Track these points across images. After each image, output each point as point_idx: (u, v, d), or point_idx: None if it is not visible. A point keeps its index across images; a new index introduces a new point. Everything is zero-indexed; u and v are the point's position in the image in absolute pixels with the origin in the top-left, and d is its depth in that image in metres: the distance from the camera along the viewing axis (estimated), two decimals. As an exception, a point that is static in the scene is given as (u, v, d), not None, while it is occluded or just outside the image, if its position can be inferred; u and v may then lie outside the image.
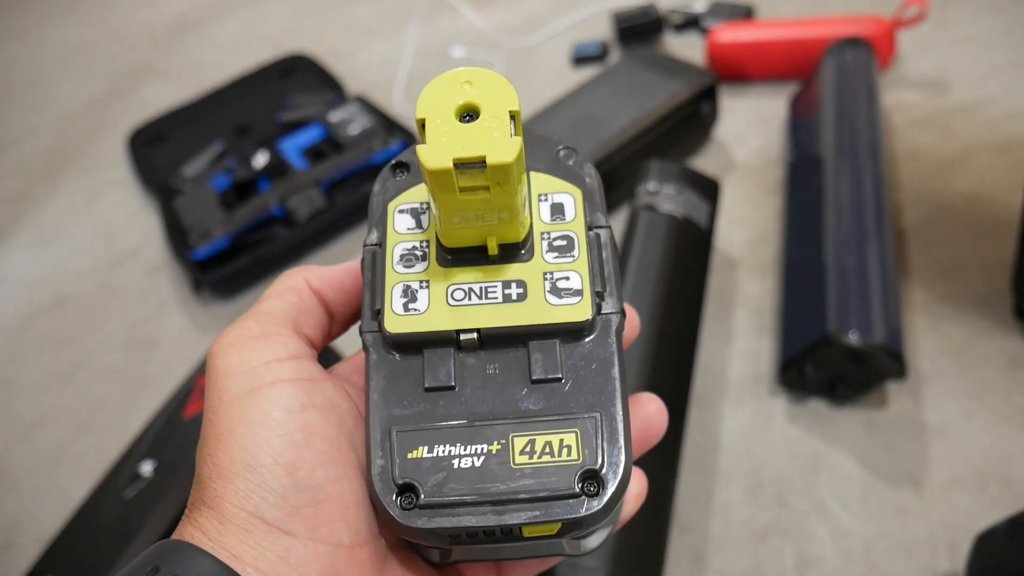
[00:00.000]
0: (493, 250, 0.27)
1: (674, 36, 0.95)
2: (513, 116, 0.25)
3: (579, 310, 0.26)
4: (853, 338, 0.53)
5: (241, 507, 0.24)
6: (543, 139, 0.30)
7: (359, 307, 0.30)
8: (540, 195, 0.29)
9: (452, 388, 0.26)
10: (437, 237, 0.28)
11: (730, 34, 0.86)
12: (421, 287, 0.27)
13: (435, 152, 0.24)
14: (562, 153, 0.30)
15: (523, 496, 0.24)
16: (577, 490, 0.24)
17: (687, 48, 0.92)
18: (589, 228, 0.28)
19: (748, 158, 0.78)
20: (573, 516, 0.24)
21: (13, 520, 0.63)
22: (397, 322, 0.26)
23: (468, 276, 0.27)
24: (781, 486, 0.55)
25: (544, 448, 0.25)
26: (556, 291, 0.27)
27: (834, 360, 0.55)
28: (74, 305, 0.80)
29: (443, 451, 0.25)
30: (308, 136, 0.85)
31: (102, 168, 0.96)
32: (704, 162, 0.79)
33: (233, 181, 0.82)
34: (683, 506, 0.54)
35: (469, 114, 0.25)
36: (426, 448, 0.25)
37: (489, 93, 0.25)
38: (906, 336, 0.60)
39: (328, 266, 0.30)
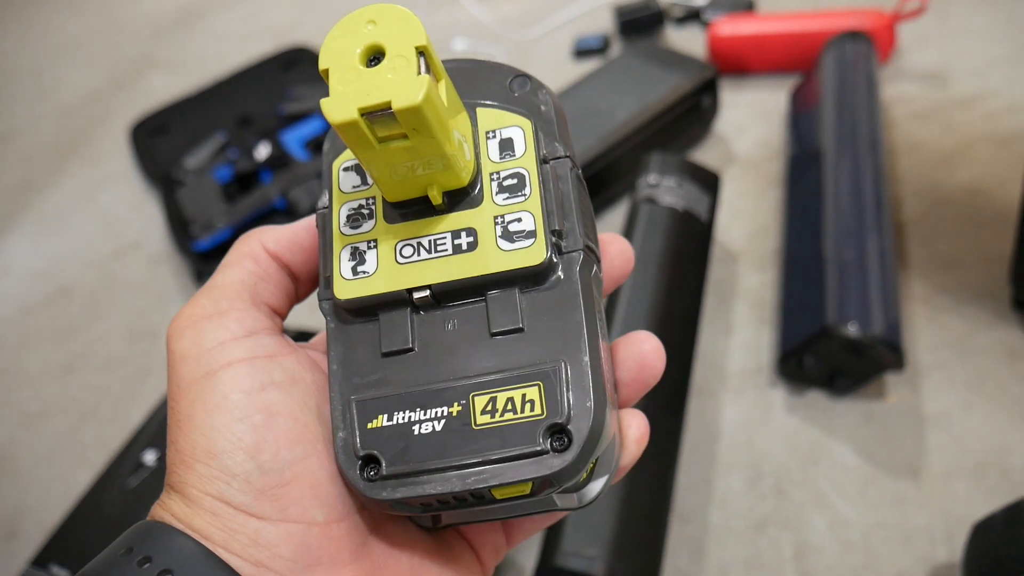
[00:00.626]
0: (437, 199, 0.25)
1: (675, 29, 0.95)
2: (421, 52, 0.22)
3: (533, 253, 0.24)
4: (852, 330, 0.53)
5: (205, 492, 0.23)
6: (493, 68, 0.28)
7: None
8: (488, 132, 0.26)
9: (411, 350, 0.24)
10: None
11: (731, 27, 0.86)
12: (369, 247, 0.25)
13: (338, 103, 0.22)
14: (516, 83, 0.27)
15: (486, 458, 0.23)
16: (543, 447, 0.22)
17: (688, 41, 0.93)
18: (544, 162, 0.26)
19: (749, 151, 0.79)
20: (542, 474, 0.22)
21: (17, 509, 0.63)
22: (347, 287, 0.25)
23: (416, 230, 0.25)
24: (780, 477, 0.55)
25: (506, 405, 0.23)
26: (508, 235, 0.25)
27: (833, 352, 0.55)
28: (77, 296, 0.80)
29: (403, 418, 0.24)
30: (310, 128, 0.86)
31: (104, 159, 0.96)
32: (705, 155, 0.79)
33: (235, 172, 0.82)
34: (683, 496, 0.55)
35: (376, 57, 0.22)
36: (385, 416, 0.24)
37: (394, 30, 0.22)
38: (905, 328, 0.60)
39: (284, 225, 0.28)
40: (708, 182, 0.64)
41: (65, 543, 0.56)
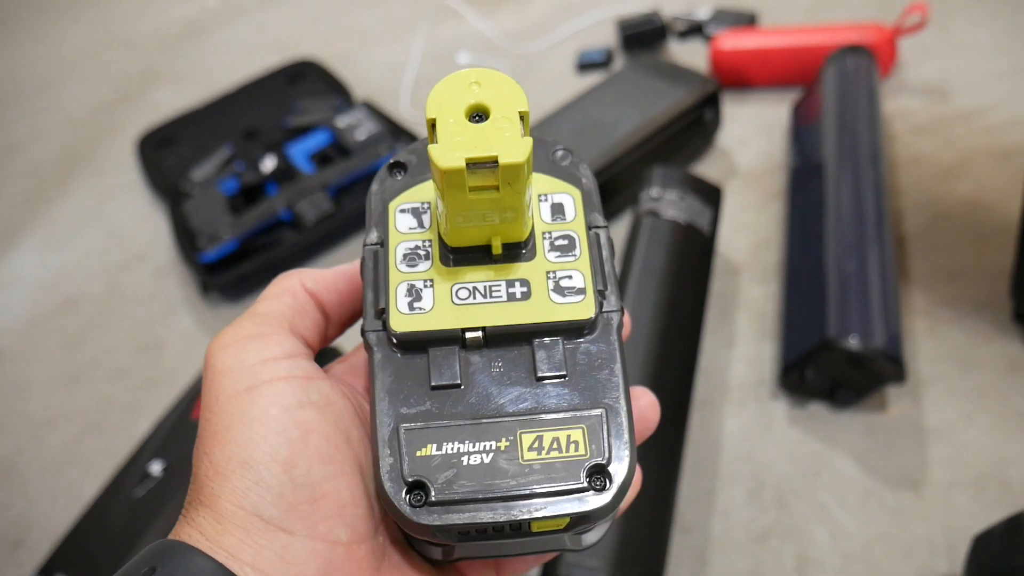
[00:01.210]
0: (497, 249, 0.27)
1: (678, 43, 0.96)
2: (522, 117, 0.25)
3: (583, 308, 0.27)
4: (853, 342, 0.53)
5: (239, 505, 0.24)
6: (539, 140, 0.30)
7: (354, 310, 0.30)
8: (540, 195, 0.29)
9: (458, 386, 0.26)
10: (440, 236, 0.28)
11: (733, 41, 0.86)
12: (425, 286, 0.27)
13: (448, 152, 0.24)
14: (559, 154, 0.30)
15: (532, 491, 0.24)
16: (585, 484, 0.24)
17: (690, 55, 0.93)
18: (588, 228, 0.29)
19: (750, 164, 0.79)
20: (582, 510, 0.24)
21: (23, 518, 0.63)
22: (403, 321, 0.26)
23: (472, 275, 0.27)
24: (782, 488, 0.55)
25: (552, 444, 0.25)
26: (559, 290, 0.27)
27: (835, 364, 0.55)
28: (84, 307, 0.81)
29: (452, 448, 0.25)
30: (315, 141, 0.86)
31: (112, 171, 0.96)
32: (707, 168, 0.79)
33: (241, 185, 0.82)
34: (685, 508, 0.55)
35: (479, 114, 0.25)
36: (435, 446, 0.25)
37: (498, 94, 0.25)
38: (906, 340, 0.60)
39: (323, 269, 0.30)
40: (710, 195, 0.65)
41: (71, 553, 0.57)
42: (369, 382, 0.27)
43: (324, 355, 0.31)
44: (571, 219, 0.29)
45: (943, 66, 0.84)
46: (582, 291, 0.27)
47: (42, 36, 1.26)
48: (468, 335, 0.26)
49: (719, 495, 0.56)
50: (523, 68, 0.97)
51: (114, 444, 0.67)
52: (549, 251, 0.28)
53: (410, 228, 0.28)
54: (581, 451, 0.25)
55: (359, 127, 0.86)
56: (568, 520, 0.24)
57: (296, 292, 0.29)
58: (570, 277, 0.27)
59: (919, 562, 0.50)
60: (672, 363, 0.56)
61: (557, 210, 0.29)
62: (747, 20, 0.93)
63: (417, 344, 0.26)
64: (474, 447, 0.25)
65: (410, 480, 0.24)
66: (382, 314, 0.27)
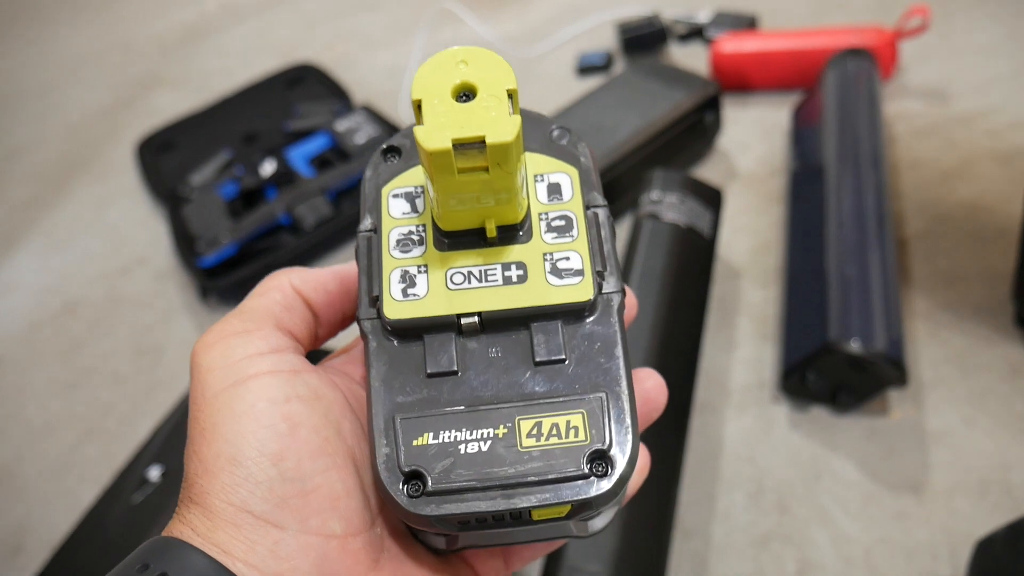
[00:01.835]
0: (492, 232, 0.27)
1: (678, 46, 0.96)
2: (511, 95, 0.24)
3: (581, 290, 0.26)
4: (855, 346, 0.53)
5: (228, 501, 0.24)
6: (536, 118, 0.30)
7: (344, 310, 0.30)
8: (536, 175, 0.29)
9: (455, 373, 0.25)
10: (434, 221, 0.27)
11: (733, 44, 0.86)
12: (419, 272, 0.26)
13: (433, 133, 0.23)
14: (556, 133, 0.30)
15: (532, 479, 0.24)
16: (586, 471, 0.24)
17: (691, 58, 0.93)
18: (586, 208, 0.28)
19: (751, 167, 0.79)
20: (583, 497, 0.24)
21: (21, 524, 0.63)
22: (397, 308, 0.26)
23: (467, 259, 0.27)
24: (783, 492, 0.55)
25: (551, 430, 0.24)
26: (557, 272, 0.26)
27: (836, 368, 0.55)
28: (83, 312, 0.80)
29: (449, 437, 0.24)
30: (315, 145, 0.86)
31: (111, 176, 0.96)
32: (707, 171, 0.79)
33: (240, 189, 0.82)
34: (685, 512, 0.55)
35: (466, 94, 0.24)
36: (431, 435, 0.24)
37: (485, 72, 0.24)
38: (907, 344, 0.60)
39: (312, 268, 0.30)
40: (711, 198, 0.65)
41: (69, 559, 0.56)
42: (365, 371, 0.26)
43: (320, 356, 0.31)
44: (568, 199, 0.28)
45: (944, 69, 0.84)
46: (580, 272, 0.26)
47: (42, 41, 1.27)
48: (464, 321, 0.26)
49: (720, 499, 0.55)
50: (523, 71, 0.97)
51: (113, 450, 0.66)
52: (546, 232, 0.27)
53: (403, 213, 0.28)
54: (581, 436, 0.24)
55: (359, 131, 0.86)
56: (569, 508, 0.24)
57: (284, 289, 0.29)
58: (567, 258, 0.27)
59: (921, 567, 0.50)
60: (672, 366, 0.55)
61: (554, 190, 0.28)
62: (747, 23, 0.92)
63: (412, 331, 0.26)
64: (471, 435, 0.24)
65: (407, 470, 0.24)
66: (376, 301, 0.26)
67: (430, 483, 0.24)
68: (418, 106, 0.24)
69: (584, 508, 0.24)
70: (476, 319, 0.26)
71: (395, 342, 0.26)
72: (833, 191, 0.65)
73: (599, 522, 0.28)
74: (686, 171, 0.76)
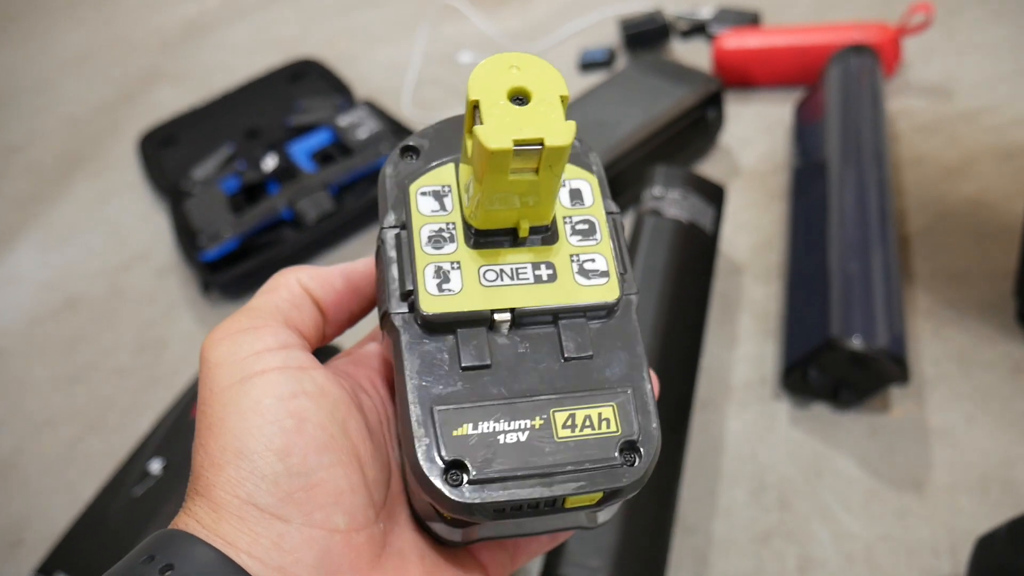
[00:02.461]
0: (524, 232, 0.27)
1: (680, 42, 0.96)
2: (562, 100, 0.25)
3: (608, 291, 0.27)
4: (856, 343, 0.53)
5: (234, 494, 0.24)
6: None
7: (350, 309, 0.31)
8: None
9: (488, 367, 0.26)
10: (463, 219, 0.28)
11: (736, 40, 0.86)
12: (453, 268, 0.27)
13: (495, 133, 0.24)
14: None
15: (569, 468, 0.25)
16: (619, 460, 0.25)
17: (693, 54, 0.93)
18: (606, 214, 0.29)
19: (753, 164, 0.79)
20: (616, 485, 0.25)
21: (23, 517, 0.63)
22: (433, 302, 0.26)
23: (498, 257, 0.27)
24: (784, 489, 0.55)
25: (584, 421, 0.25)
26: (584, 272, 0.28)
27: (838, 364, 0.55)
28: (84, 306, 0.80)
29: (488, 427, 0.25)
30: (317, 140, 0.86)
31: (113, 171, 0.96)
32: (710, 167, 0.79)
33: (242, 184, 0.82)
34: (687, 508, 0.55)
35: (519, 97, 0.25)
36: (471, 425, 0.25)
37: (538, 77, 0.25)
38: (909, 341, 0.60)
39: (319, 267, 0.30)
40: (713, 194, 0.65)
41: (70, 551, 0.56)
42: (395, 365, 0.27)
43: (326, 354, 0.31)
44: (590, 204, 0.29)
45: (947, 66, 0.84)
46: (606, 274, 0.28)
47: (43, 36, 1.26)
48: (497, 316, 0.27)
49: (721, 495, 0.55)
50: (525, 67, 0.97)
51: (114, 444, 0.66)
52: (571, 235, 0.28)
53: (432, 211, 0.28)
54: (613, 428, 0.25)
55: (361, 126, 0.86)
56: (601, 495, 0.25)
57: (292, 287, 0.29)
58: (593, 260, 0.28)
59: (922, 563, 0.50)
60: (674, 363, 0.55)
61: (576, 195, 0.29)
62: (750, 19, 0.92)
63: (446, 326, 0.26)
64: (509, 426, 0.25)
65: (448, 460, 0.24)
66: (409, 296, 0.27)
67: (472, 472, 0.24)
68: (475, 106, 0.25)
69: (614, 495, 0.25)
70: (509, 315, 0.27)
71: (426, 336, 0.27)
72: (835, 188, 0.65)
73: (604, 515, 0.28)
74: (688, 167, 0.76)
